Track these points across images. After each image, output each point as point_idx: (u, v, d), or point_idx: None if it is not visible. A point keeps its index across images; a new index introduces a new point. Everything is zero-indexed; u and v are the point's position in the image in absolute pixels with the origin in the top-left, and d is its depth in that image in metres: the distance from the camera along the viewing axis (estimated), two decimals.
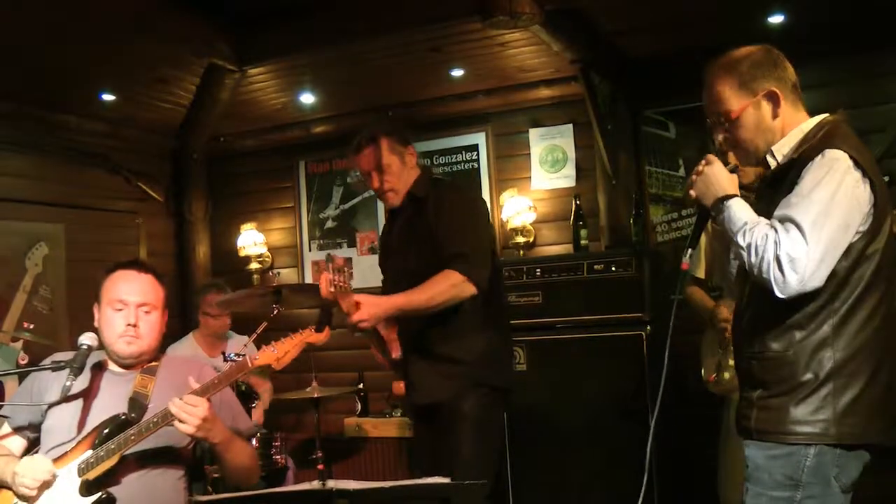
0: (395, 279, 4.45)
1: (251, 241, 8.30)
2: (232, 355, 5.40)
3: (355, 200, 8.01)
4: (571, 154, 7.16)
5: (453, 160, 7.63)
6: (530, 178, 7.32)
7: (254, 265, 8.29)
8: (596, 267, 5.89)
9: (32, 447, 3.75)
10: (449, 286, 4.14)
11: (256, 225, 8.40)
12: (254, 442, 5.82)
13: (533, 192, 7.29)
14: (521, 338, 5.86)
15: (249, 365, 3.50)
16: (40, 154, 7.05)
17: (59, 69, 6.28)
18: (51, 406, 3.65)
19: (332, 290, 3.93)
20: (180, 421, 3.33)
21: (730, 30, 5.72)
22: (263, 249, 8.35)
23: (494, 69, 6.84)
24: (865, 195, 2.87)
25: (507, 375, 4.55)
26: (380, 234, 5.13)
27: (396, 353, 4.45)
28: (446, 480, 2.73)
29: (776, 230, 2.82)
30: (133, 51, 6.09)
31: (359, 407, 7.64)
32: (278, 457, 6.14)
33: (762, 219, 2.93)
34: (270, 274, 8.27)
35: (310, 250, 8.30)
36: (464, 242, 4.25)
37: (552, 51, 6.28)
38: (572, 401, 5.80)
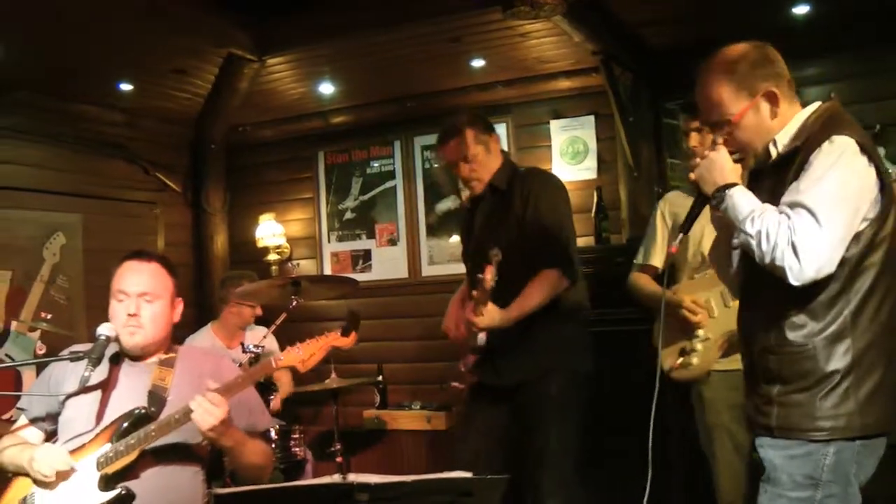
0: (479, 268, 4.48)
1: (269, 231, 8.32)
2: (251, 346, 5.45)
3: (375, 191, 8.04)
4: (593, 145, 7.17)
5: None
6: (551, 169, 7.28)
7: (272, 256, 8.32)
8: (617, 260, 5.88)
9: (50, 438, 3.78)
10: (550, 288, 4.41)
11: (275, 216, 8.42)
12: (272, 434, 5.85)
13: None
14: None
15: (274, 366, 3.51)
16: (58, 144, 7.09)
17: (77, 59, 6.33)
18: (68, 397, 3.67)
19: (492, 283, 4.18)
20: (200, 418, 3.34)
21: (753, 20, 5.75)
22: (282, 240, 8.37)
23: (515, 60, 6.85)
24: (873, 181, 2.87)
25: (590, 361, 4.72)
26: (461, 223, 5.29)
27: (481, 341, 4.57)
28: (468, 475, 2.74)
29: (788, 216, 2.79)
30: (151, 41, 6.12)
31: (378, 399, 7.67)
32: (297, 449, 6.15)
33: (768, 205, 2.90)
34: (289, 265, 8.31)
35: (329, 241, 8.33)
36: (558, 238, 4.47)
37: (573, 41, 6.29)
38: (591, 395, 5.81)
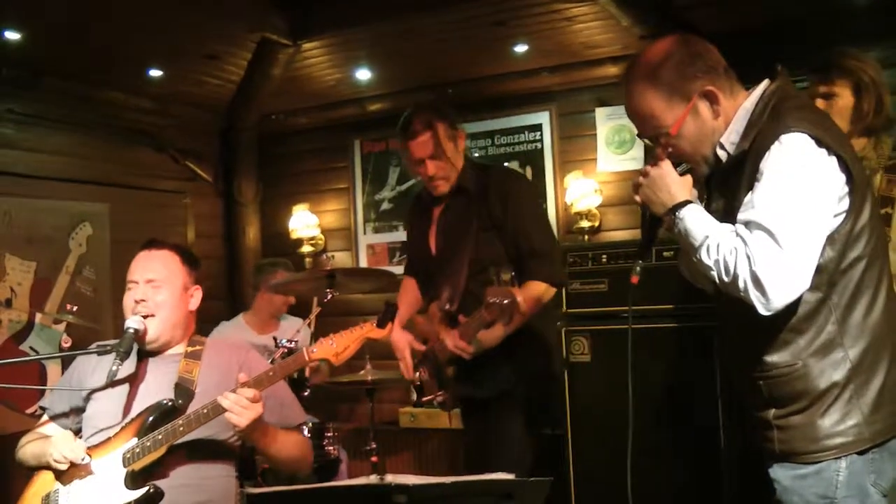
0: (453, 275, 4.43)
1: (303, 223, 8.36)
2: (283, 341, 5.48)
3: (413, 181, 8.01)
4: None
5: (515, 140, 7.66)
6: (596, 159, 7.32)
7: (306, 248, 8.36)
8: (665, 254, 5.82)
9: (76, 435, 3.76)
10: (540, 301, 4.32)
11: (309, 206, 8.46)
12: (305, 431, 5.88)
13: (599, 174, 7.30)
14: (585, 327, 5.83)
15: (307, 359, 3.50)
16: (85, 132, 7.17)
17: (105, 44, 6.36)
18: (95, 391, 3.71)
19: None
20: (233, 414, 3.35)
21: (806, 3, 5.70)
22: (316, 232, 8.41)
23: (560, 45, 6.83)
24: (836, 175, 2.64)
25: (559, 361, 4.75)
26: (408, 215, 5.08)
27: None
28: (511, 476, 2.74)
29: (745, 241, 2.60)
30: (182, 25, 6.14)
31: (414, 396, 7.67)
32: (330, 448, 6.15)
33: (724, 227, 2.71)
34: (324, 257, 8.30)
35: (364, 233, 8.34)
36: (542, 241, 4.39)
37: (621, 26, 6.26)
38: (637, 394, 5.79)
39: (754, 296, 2.57)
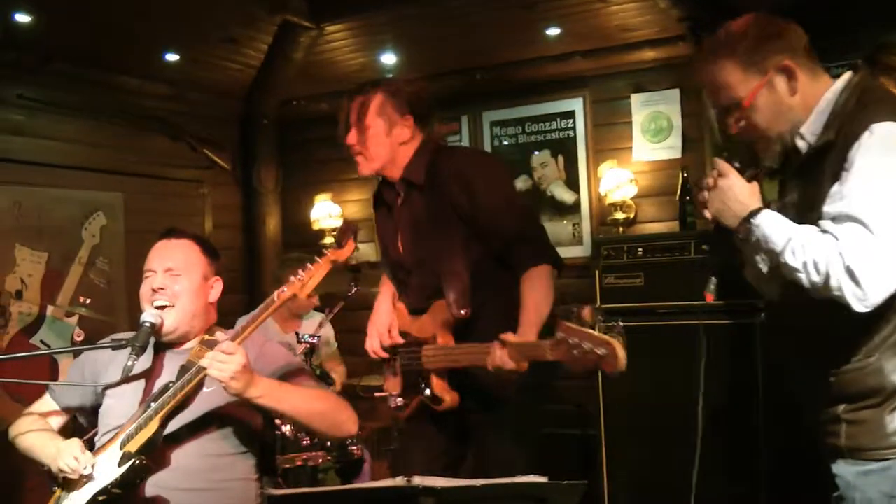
0: (423, 275, 4.18)
1: (326, 213, 8.36)
2: (306, 336, 5.46)
3: None
4: (677, 122, 7.09)
5: (547, 128, 7.61)
6: (632, 148, 7.27)
7: (328, 239, 8.29)
8: (703, 247, 5.81)
9: (88, 431, 3.80)
10: (550, 286, 3.95)
11: (332, 196, 8.46)
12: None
13: (634, 163, 7.25)
14: (620, 323, 5.82)
15: (276, 300, 3.48)
16: (98, 118, 7.17)
17: (119, 27, 6.37)
18: (109, 387, 3.69)
19: None
20: (214, 371, 3.30)
21: None
22: (339, 222, 8.34)
23: (594, 28, 6.79)
24: None
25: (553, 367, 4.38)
26: (373, 203, 4.66)
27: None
28: (544, 479, 2.71)
29: (835, 236, 2.59)
30: (200, 7, 6.16)
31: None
32: (354, 447, 6.15)
33: (806, 227, 2.70)
34: None
35: None
36: (525, 223, 4.09)
37: (658, 7, 6.23)
38: (674, 393, 5.74)
39: (850, 292, 2.55)
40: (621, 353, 3.22)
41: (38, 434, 3.72)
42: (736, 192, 2.87)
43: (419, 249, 4.20)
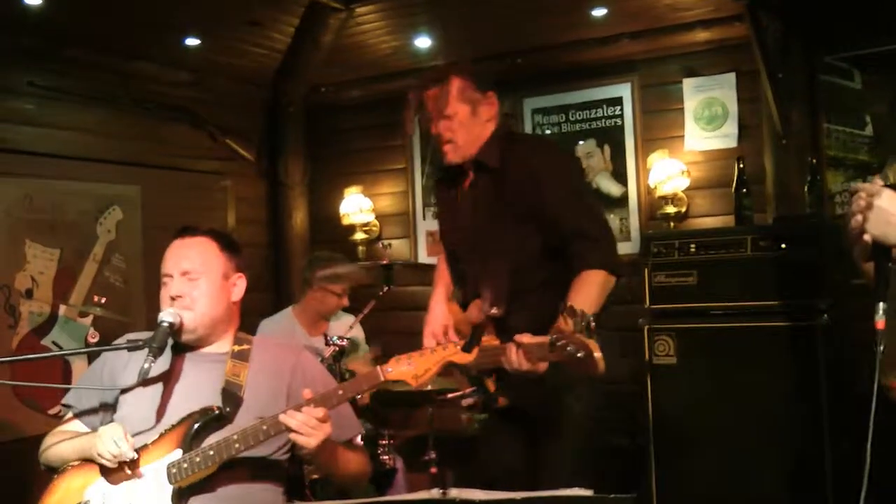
0: (482, 261, 4.30)
1: (356, 207, 8.36)
2: (335, 339, 5.44)
3: None
4: (733, 108, 7.06)
5: (592, 115, 7.58)
6: (683, 136, 7.24)
7: (359, 235, 8.37)
8: (761, 243, 5.75)
9: None
10: (604, 293, 3.98)
11: (362, 189, 8.47)
12: (359, 440, 5.84)
13: (686, 153, 7.22)
14: (671, 325, 5.77)
15: (382, 378, 3.44)
16: (114, 107, 7.19)
17: (136, 10, 6.37)
18: (125, 391, 3.66)
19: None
20: (301, 435, 3.31)
21: None
22: (370, 217, 8.42)
23: (643, 8, 6.77)
24: None
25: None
26: (434, 185, 4.89)
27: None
28: (589, 493, 2.67)
29: None
30: None
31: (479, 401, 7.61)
32: (386, 457, 6.14)
33: None
34: (379, 246, 8.27)
35: (424, 219, 8.34)
36: (589, 220, 4.14)
37: None
38: (729, 400, 5.69)
39: None
40: (598, 355, 3.31)
41: (66, 442, 3.69)
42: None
43: (477, 235, 4.32)
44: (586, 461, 4.16)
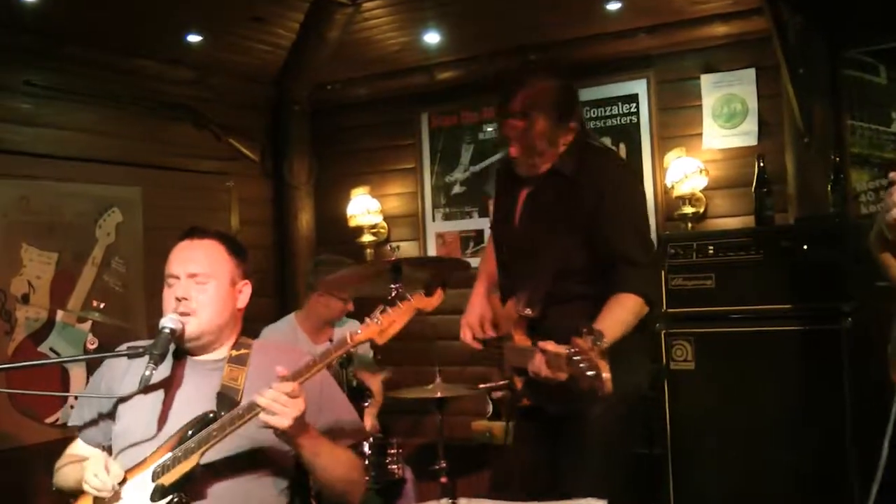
0: (528, 260, 4.40)
1: (363, 208, 8.34)
2: None
3: (489, 161, 7.99)
4: (753, 105, 7.02)
5: (607, 113, 7.55)
6: (701, 134, 7.21)
7: (367, 237, 8.36)
8: (783, 244, 5.74)
9: (108, 451, 3.73)
10: (634, 318, 4.09)
11: (370, 189, 8.45)
12: (365, 447, 5.82)
13: (704, 151, 7.19)
14: (688, 329, 5.76)
15: (349, 341, 3.42)
16: (113, 106, 7.18)
17: (136, 5, 6.37)
18: (123, 400, 3.64)
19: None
20: (272, 414, 3.25)
21: None
22: (378, 219, 8.40)
23: (659, 1, 6.75)
24: None
25: (647, 375, 4.54)
26: (497, 176, 4.92)
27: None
28: (603, 502, 2.68)
29: None
30: None
31: (490, 408, 7.60)
32: (394, 466, 6.11)
33: None
34: (388, 248, 8.28)
35: (433, 220, 8.32)
36: (640, 247, 4.25)
37: None
38: (749, 407, 5.67)
39: None
40: (606, 376, 3.43)
41: (73, 466, 3.68)
42: None
43: (529, 234, 4.43)
44: (611, 470, 4.23)
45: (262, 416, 3.27)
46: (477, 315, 4.61)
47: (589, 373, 3.49)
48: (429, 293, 3.50)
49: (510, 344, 4.34)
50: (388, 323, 3.41)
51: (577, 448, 4.29)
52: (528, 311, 4.16)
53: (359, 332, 3.42)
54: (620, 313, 4.04)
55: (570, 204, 4.30)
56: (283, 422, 3.26)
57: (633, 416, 4.48)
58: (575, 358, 3.57)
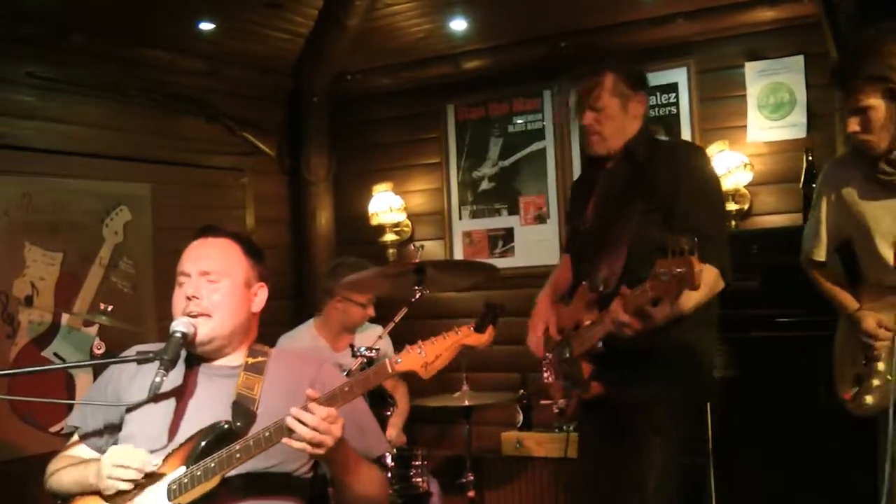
0: (610, 255, 4.49)
1: (386, 205, 8.34)
2: (363, 349, 5.40)
3: (518, 155, 7.97)
4: (801, 95, 6.98)
5: None
6: (746, 126, 7.18)
7: (389, 236, 8.36)
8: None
9: None
10: (710, 290, 4.29)
11: (392, 186, 8.45)
12: (388, 459, 5.80)
13: (749, 144, 7.16)
14: (730, 334, 5.72)
15: (390, 370, 3.38)
16: (121, 99, 7.17)
17: None
18: (134, 407, 3.62)
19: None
20: (315, 445, 3.25)
21: None
22: (401, 217, 8.40)
23: None
24: None
25: (708, 380, 4.62)
26: (572, 182, 5.23)
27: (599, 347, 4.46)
28: None
29: None
30: None
31: (520, 418, 7.58)
32: (419, 479, 6.09)
33: None
34: (411, 247, 8.26)
35: (460, 218, 8.32)
36: (716, 225, 4.48)
37: None
38: (794, 417, 5.64)
39: None
40: (697, 269, 3.62)
41: (74, 468, 3.66)
42: None
43: (603, 219, 4.69)
44: (668, 474, 4.38)
45: (298, 445, 3.27)
46: (542, 319, 4.82)
47: (677, 270, 3.66)
48: (480, 328, 3.42)
49: (576, 332, 4.49)
50: (433, 356, 3.36)
51: (640, 442, 4.39)
52: (602, 287, 4.34)
53: (399, 360, 3.37)
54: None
55: (644, 185, 4.52)
56: (320, 450, 3.27)
57: (694, 418, 4.70)
58: (660, 271, 3.75)
